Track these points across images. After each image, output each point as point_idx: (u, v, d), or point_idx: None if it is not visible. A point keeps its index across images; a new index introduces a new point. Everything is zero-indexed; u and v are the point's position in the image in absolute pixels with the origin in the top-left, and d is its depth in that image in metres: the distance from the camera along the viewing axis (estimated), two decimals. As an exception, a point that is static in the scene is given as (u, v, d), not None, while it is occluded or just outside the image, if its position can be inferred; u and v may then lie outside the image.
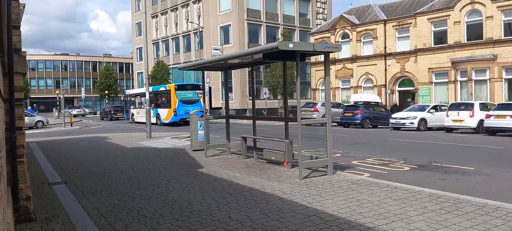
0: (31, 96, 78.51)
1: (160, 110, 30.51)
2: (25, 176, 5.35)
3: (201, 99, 30.28)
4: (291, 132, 9.48)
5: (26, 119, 31.81)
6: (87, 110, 60.93)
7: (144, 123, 32.69)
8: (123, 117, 39.65)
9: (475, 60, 27.78)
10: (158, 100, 31.09)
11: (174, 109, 28.93)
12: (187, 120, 28.90)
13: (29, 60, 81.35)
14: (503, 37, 26.75)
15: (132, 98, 37.00)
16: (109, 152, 13.11)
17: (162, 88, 31.27)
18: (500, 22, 26.85)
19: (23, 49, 6.00)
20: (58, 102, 46.48)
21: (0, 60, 4.51)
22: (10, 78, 5.05)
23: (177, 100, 28.74)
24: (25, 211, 5.26)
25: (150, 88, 36.75)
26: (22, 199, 5.21)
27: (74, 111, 47.15)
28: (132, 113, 36.00)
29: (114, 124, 35.92)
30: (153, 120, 30.51)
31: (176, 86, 29.84)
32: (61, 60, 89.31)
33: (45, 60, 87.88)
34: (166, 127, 28.09)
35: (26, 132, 24.27)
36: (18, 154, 5.21)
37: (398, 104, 31.76)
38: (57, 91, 45.68)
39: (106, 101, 70.51)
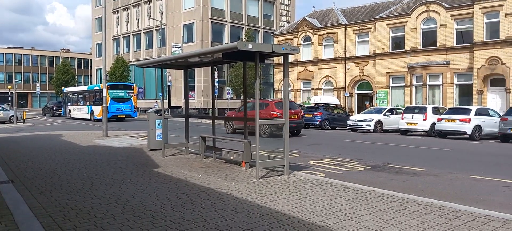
0: (-18, 90, 74.29)
1: (94, 107, 33.62)
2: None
3: (133, 99, 33.77)
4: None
5: (1, 113, 31.63)
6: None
7: (80, 119, 34.94)
8: (61, 113, 43.22)
9: (429, 66, 29.02)
10: (93, 98, 34.31)
11: (106, 107, 31.45)
12: (118, 116, 32.70)
13: (-21, 53, 77.01)
14: (455, 45, 28.14)
15: (70, 96, 39.91)
16: (62, 150, 12.66)
17: (96, 88, 34.22)
18: (453, 30, 28.21)
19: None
20: (10, 98, 44.32)
21: None
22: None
23: (110, 98, 31.07)
24: (-35, 211, 4.99)
25: (86, 87, 38.57)
26: (-38, 199, 4.94)
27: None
28: (70, 109, 39.33)
29: (61, 119, 36.63)
30: (88, 116, 34.53)
31: (108, 86, 33.01)
32: (14, 53, 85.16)
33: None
34: (119, 123, 29.03)
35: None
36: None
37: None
38: (9, 86, 43.34)
39: (62, 97, 67.84)
